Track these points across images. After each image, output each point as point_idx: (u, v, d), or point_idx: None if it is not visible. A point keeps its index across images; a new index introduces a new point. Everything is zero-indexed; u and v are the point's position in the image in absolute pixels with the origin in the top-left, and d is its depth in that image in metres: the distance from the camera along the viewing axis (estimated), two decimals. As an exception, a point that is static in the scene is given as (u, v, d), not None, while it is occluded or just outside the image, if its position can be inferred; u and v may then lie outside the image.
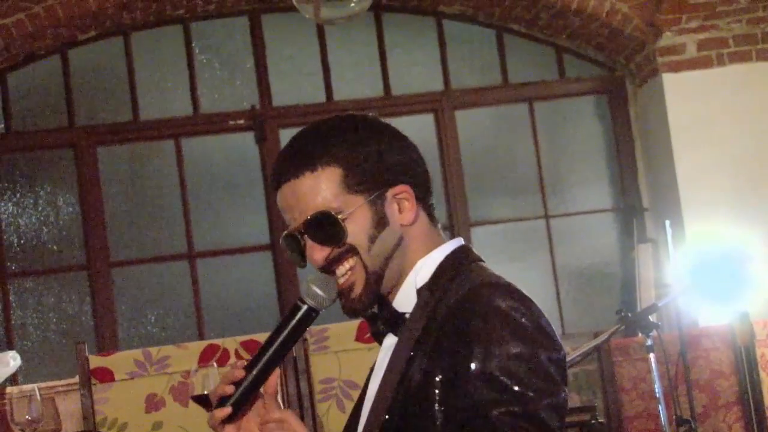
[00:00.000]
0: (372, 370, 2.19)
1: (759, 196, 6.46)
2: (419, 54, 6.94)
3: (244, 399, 2.08)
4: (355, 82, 6.83)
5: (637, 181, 6.90)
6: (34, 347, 6.36)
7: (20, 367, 5.23)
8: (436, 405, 1.97)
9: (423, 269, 2.11)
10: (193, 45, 6.72)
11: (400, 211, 2.11)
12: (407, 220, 2.11)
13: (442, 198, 6.83)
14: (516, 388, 1.93)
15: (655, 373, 4.36)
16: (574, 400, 5.04)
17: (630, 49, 6.74)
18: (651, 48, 6.60)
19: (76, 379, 4.29)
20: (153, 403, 4.29)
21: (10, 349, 5.64)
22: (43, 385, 4.32)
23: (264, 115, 6.65)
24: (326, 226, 2.08)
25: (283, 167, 2.11)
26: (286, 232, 2.13)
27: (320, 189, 2.08)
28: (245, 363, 2.09)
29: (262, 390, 2.10)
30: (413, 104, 6.88)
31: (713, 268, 5.28)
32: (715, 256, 5.38)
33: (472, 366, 1.94)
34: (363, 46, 6.88)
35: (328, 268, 2.10)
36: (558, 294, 6.84)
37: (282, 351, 2.09)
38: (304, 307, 2.08)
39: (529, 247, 6.90)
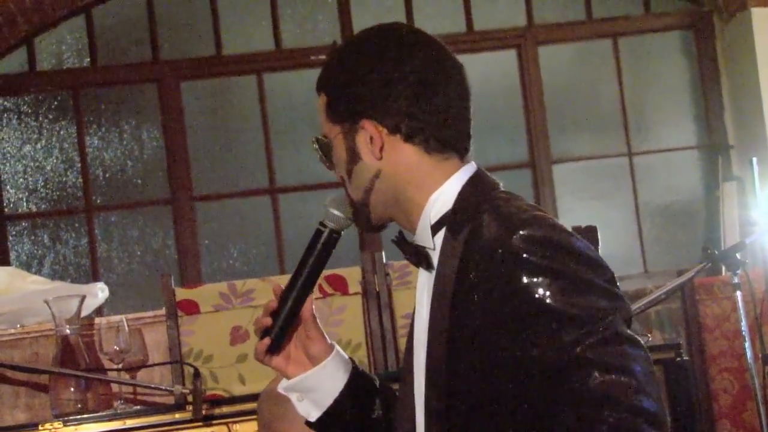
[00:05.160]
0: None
1: None
2: (502, -12, 6.88)
3: (283, 329, 2.14)
4: (438, 17, 6.79)
5: (723, 118, 6.80)
6: (118, 279, 6.45)
7: (106, 299, 5.31)
8: (500, 353, 1.92)
9: (437, 203, 2.08)
10: (276, -21, 6.73)
11: (371, 143, 2.08)
12: (375, 156, 2.08)
13: (524, 134, 6.79)
14: (588, 317, 1.87)
15: (741, 311, 4.33)
16: (657, 338, 5.01)
17: (718, -17, 6.63)
18: (740, -19, 6.48)
19: (163, 311, 4.33)
20: (238, 336, 4.32)
21: (96, 281, 5.72)
22: (130, 316, 4.37)
23: (346, 50, 6.62)
24: (321, 150, 2.16)
25: None
26: None
27: (319, 113, 2.15)
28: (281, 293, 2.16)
29: (300, 316, 2.17)
30: (496, 39, 6.83)
31: (800, 207, 5.20)
32: (802, 194, 5.30)
33: (536, 312, 1.89)
34: (446, -20, 6.84)
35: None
36: (640, 232, 6.79)
37: (312, 278, 2.15)
38: (326, 231, 2.13)
39: (612, 185, 6.84)
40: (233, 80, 6.71)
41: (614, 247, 6.47)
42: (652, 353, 4.24)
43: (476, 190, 2.07)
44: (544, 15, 6.86)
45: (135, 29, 6.62)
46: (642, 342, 1.92)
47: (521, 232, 1.93)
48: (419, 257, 2.10)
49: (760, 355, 4.48)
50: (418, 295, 2.13)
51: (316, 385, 2.19)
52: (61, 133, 6.52)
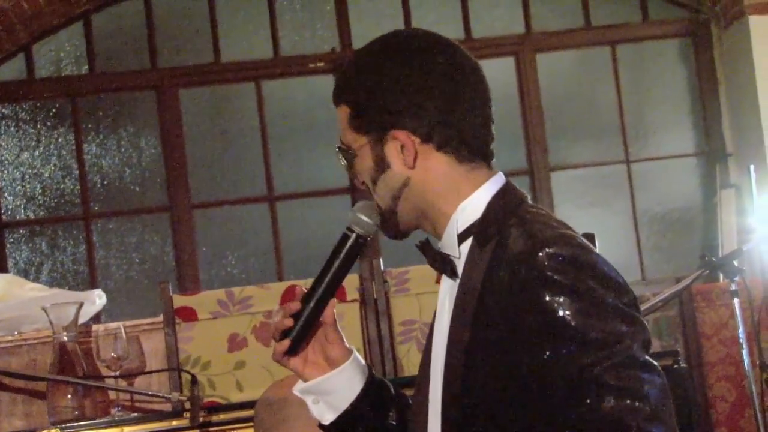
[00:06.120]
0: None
1: None
2: (501, -4, 6.89)
3: (303, 331, 2.13)
4: (436, 24, 6.78)
5: (721, 125, 6.80)
6: (116, 287, 6.45)
7: (104, 306, 5.31)
8: (517, 368, 1.92)
9: (465, 212, 2.08)
10: (274, -13, 6.73)
11: (403, 153, 2.08)
12: (408, 165, 2.07)
13: (522, 142, 6.79)
14: (606, 340, 1.87)
15: (739, 318, 4.33)
16: (655, 346, 5.00)
17: (716, -10, 6.63)
18: (737, -11, 6.48)
19: (161, 318, 4.33)
20: (235, 343, 4.32)
21: (94, 288, 5.72)
22: (128, 323, 4.37)
23: (344, 57, 6.63)
24: (345, 160, 2.14)
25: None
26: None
27: (340, 123, 2.13)
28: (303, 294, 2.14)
29: (321, 320, 2.15)
30: (494, 47, 6.82)
31: (798, 214, 5.20)
32: (800, 202, 5.30)
33: (556, 331, 1.88)
34: (444, -12, 6.84)
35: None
36: (638, 239, 6.79)
37: (335, 282, 2.13)
38: (353, 236, 2.12)
39: (610, 192, 6.84)
40: (231, 87, 6.71)
41: (612, 255, 6.41)
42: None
43: (505, 203, 2.08)
44: (542, 22, 6.86)
45: (133, 36, 6.61)
46: (659, 368, 1.91)
47: (548, 250, 1.92)
48: (444, 265, 2.09)
49: (757, 363, 4.48)
50: (440, 303, 2.13)
51: (333, 388, 2.18)
52: (59, 140, 6.52)
